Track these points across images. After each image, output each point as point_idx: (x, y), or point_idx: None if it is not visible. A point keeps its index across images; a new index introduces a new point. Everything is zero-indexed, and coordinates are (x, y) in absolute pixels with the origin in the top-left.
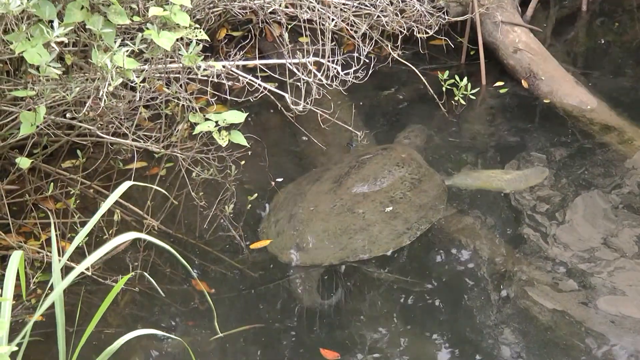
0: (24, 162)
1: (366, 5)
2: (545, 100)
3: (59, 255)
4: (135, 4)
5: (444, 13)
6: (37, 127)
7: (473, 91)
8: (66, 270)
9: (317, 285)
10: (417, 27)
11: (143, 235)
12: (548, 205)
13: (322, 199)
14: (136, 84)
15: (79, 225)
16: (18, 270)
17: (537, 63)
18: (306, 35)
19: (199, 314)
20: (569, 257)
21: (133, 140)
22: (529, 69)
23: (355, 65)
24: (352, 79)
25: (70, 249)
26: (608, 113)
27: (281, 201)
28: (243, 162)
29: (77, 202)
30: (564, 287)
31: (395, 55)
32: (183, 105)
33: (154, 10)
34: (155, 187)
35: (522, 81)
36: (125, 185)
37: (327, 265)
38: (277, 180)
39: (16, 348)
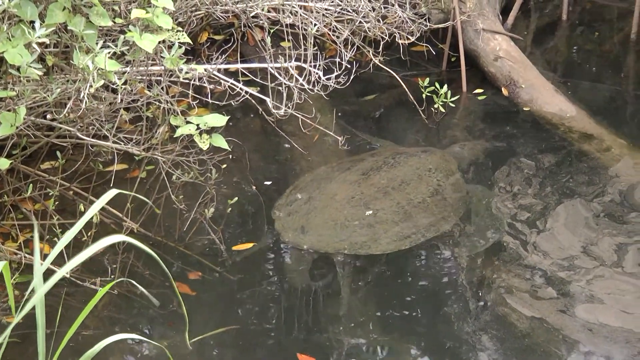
0: (2, 163)
1: (348, 11)
2: (525, 108)
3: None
4: (117, 5)
5: (425, 20)
6: (17, 127)
7: (453, 98)
8: (45, 272)
9: (308, 269)
10: (398, 33)
11: (127, 239)
12: (529, 214)
13: (344, 189)
14: (117, 86)
15: (57, 227)
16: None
17: (517, 71)
18: (288, 40)
19: (178, 317)
20: (548, 265)
21: (113, 142)
22: (509, 76)
23: (336, 71)
24: (334, 84)
25: (52, 255)
26: (587, 121)
27: (307, 182)
28: (224, 166)
29: (56, 203)
30: (543, 295)
31: (376, 61)
32: (164, 108)
33: (137, 13)
34: (134, 194)
35: (503, 89)
36: (111, 193)
37: (322, 253)
38: (264, 183)
39: None
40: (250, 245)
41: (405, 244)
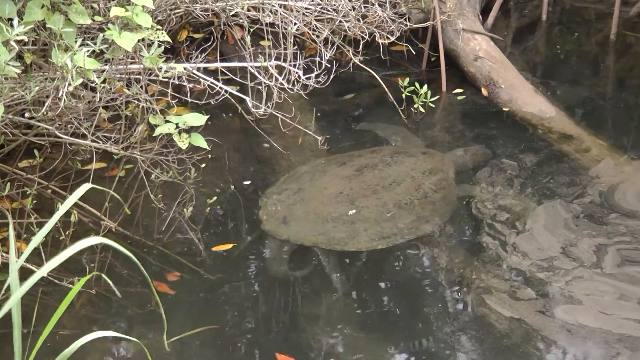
0: None
1: (328, 10)
2: (504, 109)
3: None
4: (96, 3)
5: (405, 19)
6: None
7: (433, 98)
8: (21, 271)
9: (288, 266)
10: (378, 32)
11: (106, 240)
12: (509, 214)
13: (335, 183)
14: (96, 84)
15: (35, 226)
16: None
17: (497, 71)
18: (268, 39)
19: (156, 316)
20: (527, 265)
21: (92, 140)
22: (489, 76)
23: (316, 70)
24: (314, 83)
25: (27, 251)
26: (566, 122)
27: (301, 173)
28: (203, 165)
29: (34, 202)
30: (522, 296)
31: (356, 61)
32: (143, 106)
33: (116, 11)
34: (111, 191)
35: (482, 89)
36: (84, 187)
37: (299, 244)
38: (244, 183)
39: None
40: (230, 246)
41: (383, 244)
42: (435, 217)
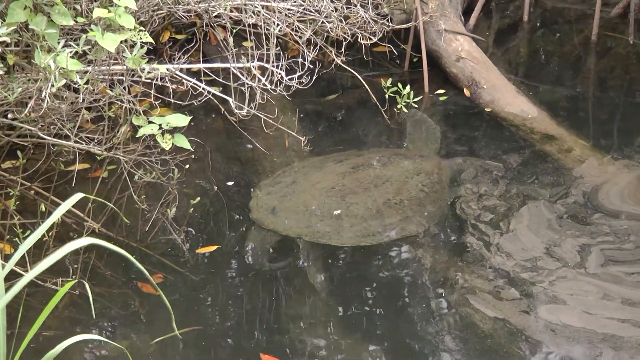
0: None
1: (311, 11)
2: (486, 109)
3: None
4: (79, 4)
5: (388, 20)
6: None
7: (416, 99)
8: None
9: (270, 251)
10: (361, 33)
11: (96, 241)
12: (493, 215)
13: (329, 178)
14: (79, 85)
15: (18, 227)
16: None
17: (479, 72)
18: (251, 40)
19: (139, 318)
20: (511, 266)
21: (75, 142)
22: (471, 77)
23: (299, 71)
24: (296, 84)
25: (15, 257)
26: (548, 122)
27: (299, 167)
28: (187, 166)
29: (17, 203)
30: (506, 296)
31: (339, 62)
32: (126, 107)
33: (98, 12)
34: (94, 197)
35: (465, 89)
36: (76, 197)
37: (284, 235)
38: (227, 184)
39: None
40: (214, 247)
41: (367, 241)
42: (423, 218)
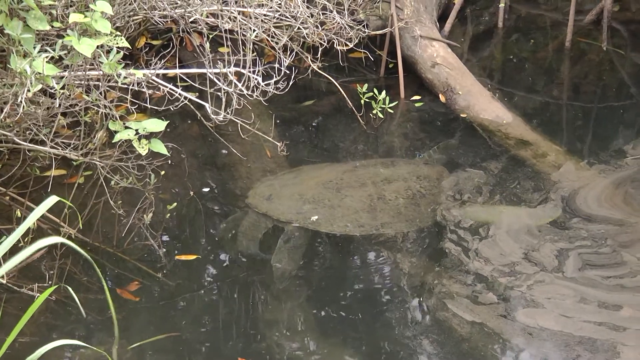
0: None
1: (287, 17)
2: (462, 115)
3: None
4: (54, 9)
5: (363, 26)
6: None
7: (391, 105)
8: None
9: (259, 234)
10: (337, 39)
11: (64, 240)
12: (472, 221)
13: (329, 174)
14: (55, 90)
15: None
16: None
17: (454, 78)
18: (227, 46)
19: (116, 323)
20: (489, 271)
21: (51, 147)
22: (446, 83)
23: (275, 76)
24: (273, 89)
25: None
26: (523, 128)
27: (304, 168)
28: (163, 173)
29: None
30: (484, 300)
31: (315, 67)
32: (103, 112)
33: (75, 17)
34: (69, 202)
35: (440, 95)
36: (51, 200)
37: (275, 220)
38: (203, 190)
39: None
40: (193, 257)
41: (356, 231)
42: (416, 220)
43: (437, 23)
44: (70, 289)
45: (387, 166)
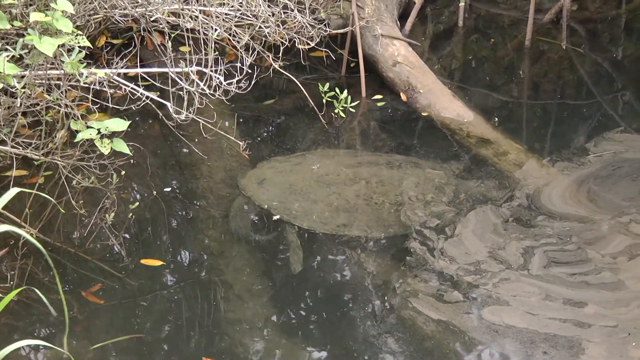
0: None
1: (248, 16)
2: (423, 113)
3: None
4: (14, 8)
5: (325, 25)
6: None
7: (353, 103)
8: None
9: (248, 220)
10: (298, 38)
11: (13, 228)
12: (439, 221)
13: (329, 167)
14: (16, 89)
15: None
16: None
17: (415, 76)
18: (188, 45)
19: (78, 324)
20: (454, 269)
21: (12, 147)
22: (407, 82)
23: (237, 75)
24: (235, 88)
25: None
26: (484, 126)
27: (316, 153)
28: (124, 172)
29: None
30: (449, 299)
31: (276, 66)
32: (64, 112)
33: (36, 16)
34: (35, 192)
35: (401, 94)
36: (12, 191)
37: (257, 205)
38: (164, 190)
39: None
40: (160, 263)
41: (326, 229)
42: (395, 224)
43: (398, 22)
44: (37, 290)
45: (390, 167)
